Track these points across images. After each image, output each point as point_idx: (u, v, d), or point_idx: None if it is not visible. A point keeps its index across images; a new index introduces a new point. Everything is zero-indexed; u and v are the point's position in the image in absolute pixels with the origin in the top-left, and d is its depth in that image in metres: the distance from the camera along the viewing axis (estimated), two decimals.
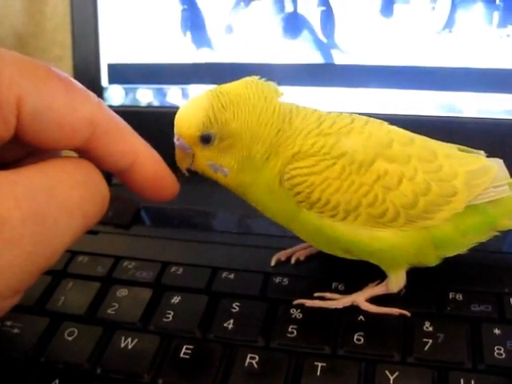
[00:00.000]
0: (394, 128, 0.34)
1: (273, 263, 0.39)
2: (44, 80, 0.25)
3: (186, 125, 0.32)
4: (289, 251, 0.39)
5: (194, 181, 0.47)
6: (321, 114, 0.33)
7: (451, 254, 0.34)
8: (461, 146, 0.35)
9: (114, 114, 0.28)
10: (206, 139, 0.32)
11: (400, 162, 0.32)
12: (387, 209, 0.32)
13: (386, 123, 0.35)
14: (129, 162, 0.28)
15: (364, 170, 0.31)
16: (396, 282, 0.34)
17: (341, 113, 0.34)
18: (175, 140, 0.33)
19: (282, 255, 0.39)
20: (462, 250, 0.35)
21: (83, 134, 0.26)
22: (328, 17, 0.46)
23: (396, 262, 0.34)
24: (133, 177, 0.29)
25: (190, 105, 0.32)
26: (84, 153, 0.27)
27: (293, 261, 0.39)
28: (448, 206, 0.32)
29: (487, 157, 0.35)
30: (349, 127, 0.33)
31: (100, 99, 0.27)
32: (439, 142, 0.35)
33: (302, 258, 0.39)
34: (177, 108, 0.49)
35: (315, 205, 0.32)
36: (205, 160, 0.33)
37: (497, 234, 0.35)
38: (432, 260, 0.34)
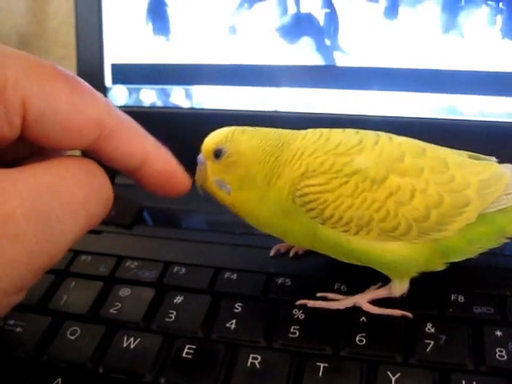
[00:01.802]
0: (405, 139, 0.34)
1: (272, 253, 0.39)
2: (50, 80, 0.25)
3: (207, 139, 0.35)
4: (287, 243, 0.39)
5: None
6: (322, 132, 0.34)
7: (458, 259, 0.34)
8: (471, 153, 0.35)
9: (123, 113, 0.28)
10: (217, 153, 0.35)
11: (412, 175, 0.32)
12: (399, 223, 0.32)
13: (394, 136, 0.34)
14: (139, 162, 0.28)
15: (376, 187, 0.31)
16: (400, 287, 0.34)
17: (344, 130, 0.35)
18: (199, 156, 0.36)
19: (282, 247, 0.40)
20: (469, 256, 0.34)
21: (90, 135, 0.26)
22: (331, 19, 0.46)
23: (406, 271, 0.34)
24: (144, 175, 0.29)
25: (222, 128, 0.36)
26: (92, 153, 0.27)
27: (291, 254, 0.39)
28: (461, 217, 0.32)
29: (498, 163, 0.35)
30: (359, 147, 0.33)
31: (108, 99, 0.27)
32: (449, 150, 0.34)
33: (300, 252, 0.39)
34: (180, 108, 0.50)
35: (328, 221, 0.32)
36: (212, 175, 0.35)
37: (507, 241, 0.34)
38: (438, 266, 0.34)
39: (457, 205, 0.32)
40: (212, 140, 0.35)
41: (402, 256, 0.33)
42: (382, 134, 0.35)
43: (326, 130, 0.35)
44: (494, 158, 0.35)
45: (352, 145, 0.33)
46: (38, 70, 0.25)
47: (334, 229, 0.32)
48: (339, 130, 0.35)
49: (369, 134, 0.34)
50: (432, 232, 0.32)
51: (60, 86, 0.25)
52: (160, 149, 0.29)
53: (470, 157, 0.35)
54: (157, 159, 0.29)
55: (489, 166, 0.34)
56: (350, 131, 0.35)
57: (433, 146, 0.34)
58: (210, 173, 0.35)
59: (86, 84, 0.26)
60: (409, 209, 0.31)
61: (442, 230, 0.32)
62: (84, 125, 0.25)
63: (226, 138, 0.34)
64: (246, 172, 0.34)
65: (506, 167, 0.34)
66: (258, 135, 0.35)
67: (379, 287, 0.35)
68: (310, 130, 0.35)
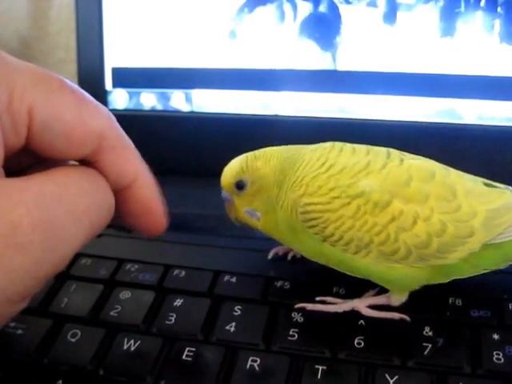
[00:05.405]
0: (417, 160, 0.34)
1: (270, 256, 0.39)
2: (56, 91, 0.25)
3: (224, 175, 0.36)
4: (287, 247, 0.40)
5: (195, 185, 0.47)
6: (327, 158, 0.33)
7: (462, 277, 0.34)
8: (486, 180, 0.34)
9: (122, 131, 0.28)
10: (239, 186, 0.36)
11: (416, 202, 0.31)
12: (399, 248, 0.31)
13: (407, 155, 0.34)
14: (129, 181, 0.28)
15: (378, 211, 0.31)
16: (399, 298, 0.35)
17: (354, 149, 0.34)
18: (222, 193, 0.37)
19: (280, 250, 0.40)
20: (474, 274, 0.34)
21: (90, 146, 0.26)
22: (331, 23, 0.46)
23: (408, 286, 0.34)
24: (127, 198, 0.28)
25: (232, 161, 0.37)
26: (87, 164, 0.27)
27: (289, 257, 0.39)
28: (463, 247, 0.32)
29: None
30: (366, 171, 0.32)
31: (110, 113, 0.27)
32: (462, 175, 0.34)
33: (298, 256, 0.39)
34: (180, 112, 0.50)
35: (329, 239, 0.32)
36: (242, 207, 0.36)
37: None
38: (441, 281, 0.34)
39: (460, 235, 0.31)
40: (230, 174, 0.36)
41: (405, 274, 0.33)
42: (394, 153, 0.34)
43: (332, 155, 0.34)
44: (510, 187, 0.34)
45: (359, 169, 0.32)
46: (45, 81, 0.25)
47: (333, 247, 0.32)
48: (349, 150, 0.34)
49: (380, 155, 0.33)
50: (432, 259, 0.32)
51: (66, 97, 0.25)
52: (150, 175, 0.29)
53: (485, 184, 0.34)
54: (145, 184, 0.28)
55: (500, 195, 0.33)
56: (361, 151, 0.34)
57: (446, 168, 0.34)
58: (239, 205, 0.36)
59: (91, 97, 0.27)
60: (410, 235, 0.31)
61: (442, 257, 0.32)
62: (87, 136, 0.26)
63: (242, 168, 0.35)
64: (268, 195, 0.35)
65: None
66: (274, 156, 0.35)
67: (378, 292, 0.35)
68: (313, 157, 0.34)
